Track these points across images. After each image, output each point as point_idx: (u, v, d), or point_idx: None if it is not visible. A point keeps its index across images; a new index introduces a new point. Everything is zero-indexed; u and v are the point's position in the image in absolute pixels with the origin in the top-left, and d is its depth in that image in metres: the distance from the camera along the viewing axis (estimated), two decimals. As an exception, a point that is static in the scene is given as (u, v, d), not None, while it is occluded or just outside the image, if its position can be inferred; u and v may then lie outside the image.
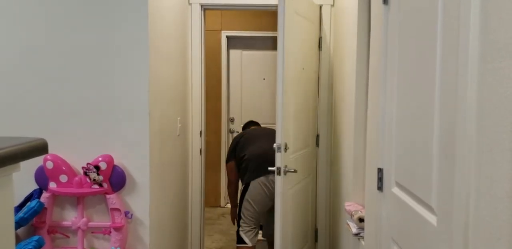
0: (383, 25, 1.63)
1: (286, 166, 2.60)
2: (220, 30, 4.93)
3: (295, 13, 2.72)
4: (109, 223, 2.17)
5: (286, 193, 2.67)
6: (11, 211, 0.99)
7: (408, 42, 1.38)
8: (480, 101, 0.87)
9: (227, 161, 3.51)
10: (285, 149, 2.58)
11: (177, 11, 2.91)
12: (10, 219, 0.98)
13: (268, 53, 4.95)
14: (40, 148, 1.03)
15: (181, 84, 3.06)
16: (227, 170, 3.54)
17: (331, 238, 3.30)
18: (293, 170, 2.66)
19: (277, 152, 2.48)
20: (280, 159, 2.51)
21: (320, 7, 3.32)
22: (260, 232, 3.44)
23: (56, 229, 2.20)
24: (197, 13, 3.31)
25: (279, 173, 2.51)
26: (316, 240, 3.47)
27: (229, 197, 3.63)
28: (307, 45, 3.09)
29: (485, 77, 0.85)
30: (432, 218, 1.13)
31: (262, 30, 4.83)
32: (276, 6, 3.17)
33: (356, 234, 2.21)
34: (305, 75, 3.06)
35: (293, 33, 2.66)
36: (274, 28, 4.22)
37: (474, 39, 0.89)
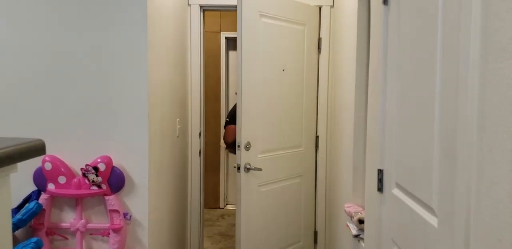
0: (383, 25, 1.63)
1: (248, 164, 2.80)
2: (220, 32, 4.92)
3: (260, 14, 2.87)
4: (107, 225, 2.17)
5: (254, 190, 2.89)
6: (9, 212, 0.98)
7: (408, 42, 1.38)
8: (481, 101, 0.87)
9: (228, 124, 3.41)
10: (247, 147, 2.77)
11: (176, 12, 2.90)
12: (7, 220, 0.97)
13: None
14: (37, 149, 1.02)
15: (180, 86, 3.06)
16: (228, 133, 3.40)
17: (331, 240, 3.29)
18: (259, 169, 2.83)
19: (237, 150, 2.70)
20: (240, 157, 2.74)
21: (320, 8, 3.32)
22: None
23: (54, 231, 2.19)
24: (196, 14, 3.31)
25: (238, 170, 2.71)
26: (315, 241, 3.46)
27: None
28: (290, 46, 3.14)
29: (486, 77, 0.85)
30: (432, 220, 1.13)
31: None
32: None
33: (356, 236, 2.20)
34: (287, 76, 3.12)
35: (256, 34, 2.83)
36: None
37: (475, 39, 0.89)
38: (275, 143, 3.08)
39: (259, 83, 2.89)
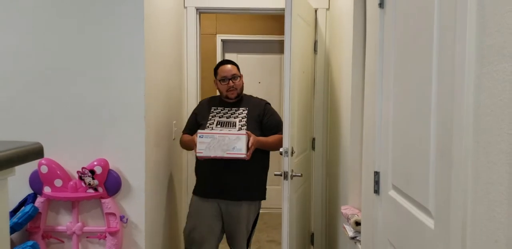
0: (379, 28, 1.64)
1: (292, 171, 2.54)
2: (215, 34, 4.93)
3: (298, 16, 2.72)
4: (104, 228, 2.16)
5: (292, 198, 2.62)
6: (6, 215, 0.98)
7: (404, 45, 1.39)
8: (477, 104, 0.87)
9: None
10: (292, 153, 2.54)
11: (172, 15, 2.91)
12: (5, 223, 0.97)
13: (264, 57, 4.96)
14: (36, 152, 1.02)
15: (176, 88, 3.06)
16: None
17: (328, 242, 3.30)
18: (299, 174, 2.64)
19: (284, 156, 2.44)
20: (287, 164, 2.46)
21: (316, 11, 3.33)
22: None
23: (50, 234, 2.18)
24: (192, 16, 3.31)
25: (285, 178, 2.44)
26: (312, 244, 3.47)
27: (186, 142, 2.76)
28: (305, 48, 3.09)
29: (481, 80, 0.86)
30: (429, 221, 1.13)
31: (258, 34, 4.84)
32: (271, 9, 3.18)
33: (353, 238, 2.20)
34: (304, 78, 3.07)
35: (297, 36, 2.66)
36: (270, 32, 4.23)
37: (470, 42, 0.90)
38: (301, 146, 2.97)
39: (296, 87, 2.73)
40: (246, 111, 2.72)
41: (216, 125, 2.63)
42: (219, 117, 2.68)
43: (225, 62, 2.80)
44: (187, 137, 2.70)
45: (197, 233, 2.64)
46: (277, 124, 2.71)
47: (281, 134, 2.52)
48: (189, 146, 2.62)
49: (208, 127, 2.62)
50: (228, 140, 2.43)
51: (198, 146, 2.43)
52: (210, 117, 2.69)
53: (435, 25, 1.12)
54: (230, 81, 2.69)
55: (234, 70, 2.73)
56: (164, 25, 2.63)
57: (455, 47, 0.97)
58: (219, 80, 2.71)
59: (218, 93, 2.92)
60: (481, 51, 0.87)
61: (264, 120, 2.71)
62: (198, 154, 2.45)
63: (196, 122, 2.72)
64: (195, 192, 2.72)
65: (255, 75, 4.91)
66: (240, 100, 2.76)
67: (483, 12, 0.86)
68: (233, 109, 2.72)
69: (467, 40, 0.91)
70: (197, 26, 3.34)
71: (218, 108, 2.74)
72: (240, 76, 2.75)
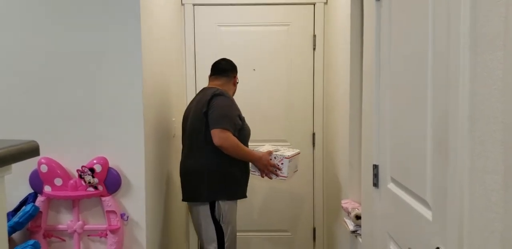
0: (375, 21, 1.64)
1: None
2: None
3: None
4: (105, 226, 2.16)
5: None
6: (4, 213, 0.98)
7: (400, 37, 1.38)
8: (472, 93, 0.87)
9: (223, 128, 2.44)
10: None
11: (170, 12, 2.90)
12: (2, 220, 0.97)
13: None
14: (31, 151, 1.02)
15: (175, 85, 3.06)
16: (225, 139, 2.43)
17: (329, 237, 3.30)
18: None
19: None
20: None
21: (314, 5, 3.32)
22: None
23: (51, 233, 2.18)
24: (190, 13, 3.31)
25: None
26: (314, 239, 3.47)
27: (245, 154, 2.49)
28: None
29: (476, 69, 0.85)
30: (427, 213, 1.13)
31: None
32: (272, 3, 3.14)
33: (353, 232, 2.20)
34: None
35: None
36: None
37: (464, 32, 0.89)
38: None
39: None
40: None
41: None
42: None
43: None
44: (244, 148, 2.47)
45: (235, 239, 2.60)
46: None
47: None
48: (246, 159, 2.51)
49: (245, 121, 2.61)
50: (295, 161, 2.60)
51: (286, 170, 2.49)
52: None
53: (429, 16, 1.11)
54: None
55: None
56: (161, 22, 2.62)
57: (450, 38, 0.97)
58: (237, 82, 2.73)
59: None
60: (475, 40, 0.86)
61: None
62: (282, 178, 2.51)
63: (241, 120, 2.53)
64: (237, 195, 2.55)
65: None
66: None
67: (476, 1, 0.86)
68: None
69: (461, 29, 0.90)
70: (194, 22, 3.33)
71: None
72: None
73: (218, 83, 2.62)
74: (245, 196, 2.61)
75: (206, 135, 2.43)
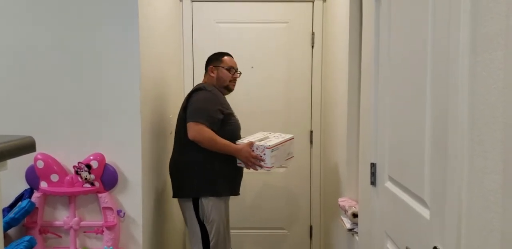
0: (374, 19, 1.63)
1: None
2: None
3: None
4: (101, 222, 2.16)
5: None
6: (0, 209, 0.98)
7: (400, 35, 1.38)
8: (471, 93, 0.87)
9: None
10: None
11: (168, 8, 2.89)
12: (-3, 218, 0.97)
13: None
14: (27, 146, 1.01)
15: (173, 81, 3.05)
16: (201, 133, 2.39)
17: (326, 235, 3.31)
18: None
19: None
20: None
21: (313, 3, 3.31)
22: None
23: (48, 229, 2.18)
24: (188, 9, 3.29)
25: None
26: (310, 237, 3.47)
27: (222, 147, 2.40)
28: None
29: (475, 68, 0.85)
30: (425, 212, 1.13)
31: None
32: (265, 1, 3.15)
33: (350, 230, 2.20)
34: None
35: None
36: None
37: (464, 31, 0.89)
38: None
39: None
40: None
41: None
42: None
43: (230, 54, 2.69)
44: (222, 140, 2.38)
45: (228, 236, 2.54)
46: None
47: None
48: (225, 152, 2.38)
49: (238, 119, 2.55)
50: (286, 147, 2.44)
51: (269, 161, 2.33)
52: (232, 109, 2.57)
53: (429, 14, 1.11)
54: (236, 74, 2.63)
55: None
56: (159, 18, 2.61)
57: (450, 36, 0.96)
58: (226, 69, 2.57)
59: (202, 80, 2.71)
60: (475, 39, 0.86)
61: None
62: (267, 169, 2.36)
63: (222, 114, 2.44)
64: (221, 192, 2.44)
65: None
66: None
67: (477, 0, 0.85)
68: None
69: (461, 28, 0.90)
70: (192, 19, 3.32)
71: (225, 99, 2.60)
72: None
73: (204, 79, 2.66)
74: (233, 193, 2.52)
75: (186, 130, 2.40)
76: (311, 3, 3.32)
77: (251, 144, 2.36)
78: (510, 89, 0.74)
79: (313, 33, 3.33)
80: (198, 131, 2.34)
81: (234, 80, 2.61)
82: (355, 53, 2.40)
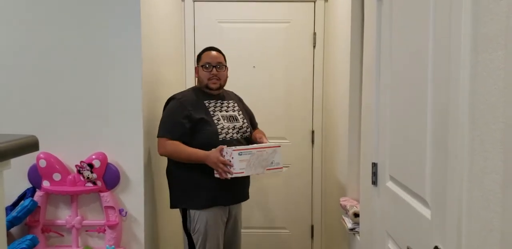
0: (376, 19, 1.63)
1: None
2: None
3: None
4: (103, 221, 2.17)
5: None
6: (2, 208, 0.98)
7: (401, 35, 1.38)
8: (472, 93, 0.87)
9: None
10: None
11: (169, 8, 2.89)
12: (1, 216, 0.97)
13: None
14: (30, 145, 1.02)
15: (175, 81, 3.05)
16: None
17: (327, 234, 3.31)
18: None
19: None
20: None
21: (314, 3, 3.32)
22: None
23: (50, 228, 2.19)
24: (190, 9, 3.30)
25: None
26: (312, 236, 3.48)
27: (189, 156, 2.26)
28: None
29: (476, 68, 0.85)
30: (426, 212, 1.13)
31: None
32: (267, 1, 3.15)
33: (351, 229, 2.21)
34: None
35: None
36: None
37: (465, 31, 0.89)
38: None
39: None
40: (236, 104, 2.46)
41: (224, 120, 2.33)
42: (220, 111, 2.35)
43: (211, 48, 2.43)
44: (185, 148, 2.24)
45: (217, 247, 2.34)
46: (254, 118, 2.64)
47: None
48: (195, 160, 2.22)
49: (218, 124, 2.30)
50: (266, 155, 2.20)
51: (238, 165, 2.12)
52: (211, 112, 2.32)
53: (430, 14, 1.11)
54: (214, 69, 2.33)
55: (221, 58, 2.38)
56: (161, 19, 2.61)
57: (451, 36, 0.97)
58: (201, 66, 2.35)
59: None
60: (476, 39, 0.86)
61: (248, 114, 2.56)
62: (237, 175, 2.13)
63: (190, 122, 2.27)
64: (203, 203, 2.29)
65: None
66: (221, 92, 2.44)
67: (478, 0, 0.86)
68: (224, 102, 2.42)
69: (462, 28, 0.90)
70: (194, 18, 3.32)
71: (211, 101, 2.36)
72: (226, 67, 2.41)
73: None
74: (218, 204, 2.30)
75: None
76: (313, 3, 3.32)
77: (221, 149, 2.17)
78: (510, 89, 0.74)
79: (314, 33, 3.33)
80: (161, 146, 2.26)
81: (213, 77, 2.34)
82: (357, 53, 2.40)
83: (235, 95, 2.59)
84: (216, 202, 2.31)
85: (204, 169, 2.21)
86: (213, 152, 2.17)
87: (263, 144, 2.29)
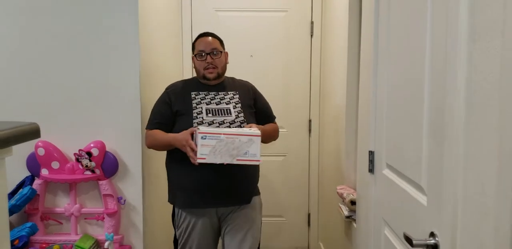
0: (374, 7, 1.63)
1: None
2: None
3: None
4: (102, 209, 2.18)
5: None
6: (5, 195, 0.99)
7: (399, 24, 1.39)
8: (468, 80, 0.88)
9: None
10: None
11: (166, -4, 2.88)
12: (3, 203, 0.98)
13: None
14: (32, 132, 1.03)
15: (173, 70, 3.05)
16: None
17: (324, 222, 3.34)
18: None
19: None
20: None
21: (311, -8, 3.31)
22: None
23: (49, 216, 2.20)
24: (187, 0, 3.29)
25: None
26: (309, 224, 3.51)
27: (162, 141, 2.08)
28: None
29: (473, 56, 0.86)
30: (422, 198, 1.15)
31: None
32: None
33: (348, 217, 2.23)
34: None
35: None
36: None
37: (463, 19, 0.90)
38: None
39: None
40: (237, 96, 2.20)
41: (207, 114, 2.08)
42: (207, 104, 2.11)
43: (205, 34, 2.21)
44: (161, 133, 2.07)
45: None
46: (270, 111, 2.34)
47: (275, 123, 2.25)
48: (167, 145, 2.05)
49: (197, 117, 2.06)
50: (239, 143, 1.88)
51: (200, 150, 1.85)
52: (194, 105, 2.10)
53: (428, 1, 1.12)
54: (209, 57, 2.11)
55: (216, 44, 2.15)
56: (159, 9, 2.61)
57: (448, 24, 0.98)
58: (195, 55, 2.15)
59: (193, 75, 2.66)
60: (473, 27, 0.87)
61: (258, 106, 2.26)
62: (199, 161, 1.86)
63: (171, 112, 2.11)
64: (179, 203, 2.12)
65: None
66: (222, 82, 2.22)
67: (476, -12, 0.86)
68: (220, 93, 2.17)
69: (460, 16, 0.91)
70: (191, 10, 3.30)
71: (200, 93, 2.14)
72: (223, 53, 2.18)
73: None
74: (193, 207, 2.09)
75: None
76: (311, -9, 3.31)
77: (192, 131, 1.95)
78: (506, 76, 0.76)
79: (312, 22, 3.32)
80: (145, 138, 2.13)
81: (208, 66, 2.12)
82: (355, 41, 2.40)
83: (245, 85, 2.32)
84: (191, 204, 2.10)
85: (181, 169, 2.06)
86: (182, 134, 1.96)
87: (239, 129, 1.98)
